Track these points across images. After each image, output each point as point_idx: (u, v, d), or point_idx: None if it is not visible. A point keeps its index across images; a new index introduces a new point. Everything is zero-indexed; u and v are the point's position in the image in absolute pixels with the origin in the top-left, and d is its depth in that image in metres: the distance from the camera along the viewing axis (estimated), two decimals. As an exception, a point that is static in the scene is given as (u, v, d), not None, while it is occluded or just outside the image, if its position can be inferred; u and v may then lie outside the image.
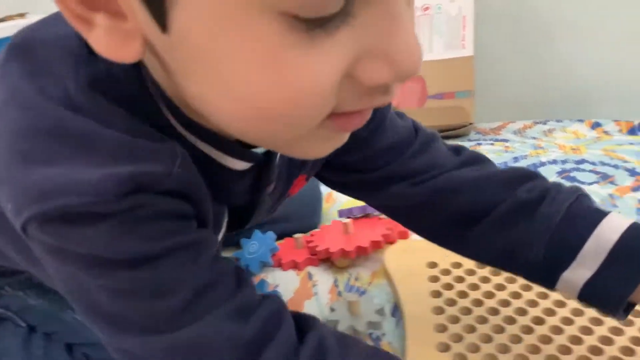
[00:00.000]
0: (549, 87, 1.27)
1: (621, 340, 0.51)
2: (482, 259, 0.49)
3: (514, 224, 0.44)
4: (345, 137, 0.34)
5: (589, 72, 1.24)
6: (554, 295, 0.58)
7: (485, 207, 0.46)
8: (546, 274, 0.43)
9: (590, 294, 0.42)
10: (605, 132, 1.13)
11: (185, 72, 0.29)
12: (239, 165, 0.40)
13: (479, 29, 1.24)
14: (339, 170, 0.51)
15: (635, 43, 1.19)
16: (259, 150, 0.41)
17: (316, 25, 0.26)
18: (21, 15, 1.20)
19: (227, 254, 0.76)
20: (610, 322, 0.53)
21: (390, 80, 0.28)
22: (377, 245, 0.70)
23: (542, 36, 1.24)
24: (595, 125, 1.15)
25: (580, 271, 0.42)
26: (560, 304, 0.57)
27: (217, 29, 0.26)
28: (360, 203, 0.86)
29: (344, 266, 0.70)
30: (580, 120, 1.18)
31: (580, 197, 0.44)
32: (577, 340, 0.52)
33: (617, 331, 0.52)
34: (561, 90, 1.26)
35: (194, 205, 0.35)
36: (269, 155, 0.42)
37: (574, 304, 0.56)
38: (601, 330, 0.52)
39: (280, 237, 0.77)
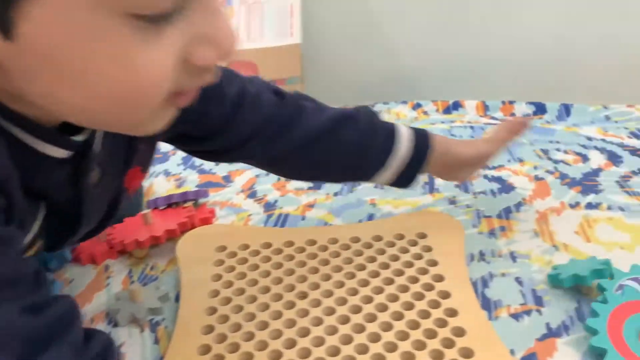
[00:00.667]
0: (378, 72, 1.35)
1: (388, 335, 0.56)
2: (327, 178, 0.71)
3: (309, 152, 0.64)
4: (174, 112, 0.40)
5: (413, 56, 1.32)
6: (324, 269, 0.62)
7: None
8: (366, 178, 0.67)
9: (394, 184, 0.67)
10: (425, 112, 1.21)
11: (32, 75, 0.33)
12: (57, 152, 0.43)
13: (308, 18, 1.29)
14: (191, 143, 0.62)
15: (449, 29, 1.28)
16: (79, 138, 0.44)
17: (154, 20, 0.31)
18: None
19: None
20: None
21: (217, 59, 0.36)
22: (172, 234, 0.71)
23: (369, 24, 1.31)
24: (417, 106, 1.23)
25: (385, 174, 0.65)
26: (327, 277, 0.61)
27: (68, 34, 0.30)
28: (166, 193, 0.87)
29: (142, 256, 0.71)
30: (404, 102, 1.26)
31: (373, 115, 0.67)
32: (331, 310, 0.56)
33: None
34: (388, 74, 1.34)
35: (5, 197, 0.36)
36: (89, 143, 0.45)
37: (339, 277, 0.61)
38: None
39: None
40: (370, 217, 0.76)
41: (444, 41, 1.30)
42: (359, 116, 0.65)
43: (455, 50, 1.30)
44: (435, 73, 1.32)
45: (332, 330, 0.54)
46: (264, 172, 0.93)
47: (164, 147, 1.09)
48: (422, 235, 0.67)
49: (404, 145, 0.64)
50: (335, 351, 0.51)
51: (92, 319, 0.61)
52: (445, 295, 0.57)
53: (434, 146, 0.65)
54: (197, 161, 1.00)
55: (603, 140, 0.98)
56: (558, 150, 0.94)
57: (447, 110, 1.20)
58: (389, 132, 0.65)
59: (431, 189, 0.83)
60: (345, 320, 0.55)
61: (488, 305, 0.58)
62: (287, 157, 0.64)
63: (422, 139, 0.65)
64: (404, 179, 0.66)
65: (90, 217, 0.52)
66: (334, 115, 0.64)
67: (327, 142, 0.63)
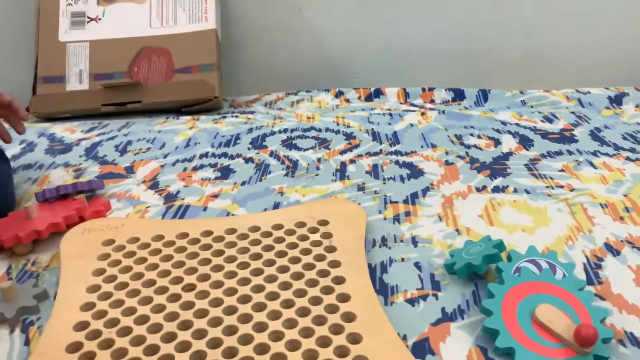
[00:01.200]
0: (303, 59, 1.31)
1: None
2: None
3: None
4: None
5: (337, 43, 1.30)
6: (216, 260, 0.59)
7: None
8: None
9: None
10: (347, 100, 1.20)
11: None
12: None
13: (226, 3, 1.24)
14: None
15: (373, 16, 1.27)
16: None
17: None
18: None
19: None
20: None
21: None
22: (56, 228, 0.66)
23: (291, 9, 1.28)
24: (339, 94, 1.21)
25: None
26: (219, 267, 0.58)
27: None
28: (54, 184, 0.81)
29: (24, 253, 0.65)
30: (327, 90, 1.23)
31: None
32: (219, 302, 0.53)
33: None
34: (314, 61, 1.31)
35: None
36: None
37: (231, 267, 0.58)
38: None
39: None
40: (277, 206, 0.73)
41: (368, 28, 1.28)
42: None
43: (378, 37, 1.28)
44: (358, 61, 1.30)
45: (216, 322, 0.50)
46: (169, 162, 0.88)
47: (68, 138, 1.03)
48: (324, 223, 0.65)
49: None
50: (216, 343, 0.48)
51: (-43, 322, 0.55)
52: (340, 280, 0.55)
53: None
54: (101, 152, 0.94)
55: (517, 124, 0.99)
56: (472, 135, 0.94)
57: (369, 98, 1.19)
58: None
59: (342, 175, 0.80)
60: (232, 311, 0.51)
61: (385, 290, 0.56)
62: None
63: None
64: None
65: None
66: None
67: None
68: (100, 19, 1.19)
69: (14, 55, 1.30)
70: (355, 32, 1.29)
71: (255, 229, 0.64)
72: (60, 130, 1.08)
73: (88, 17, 1.19)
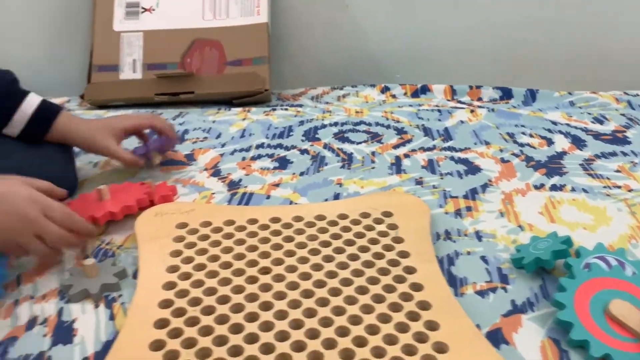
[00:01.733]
0: (348, 54, 1.33)
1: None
2: None
3: None
4: None
5: (382, 39, 1.31)
6: (288, 246, 0.61)
7: None
8: None
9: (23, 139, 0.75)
10: (393, 96, 1.21)
11: None
12: None
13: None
14: None
15: (418, 12, 1.28)
16: None
17: None
18: None
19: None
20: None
21: None
22: (129, 210, 0.68)
23: (338, 4, 1.29)
24: (385, 89, 1.23)
25: (13, 129, 0.75)
26: (292, 253, 0.60)
27: None
28: (119, 168, 0.84)
29: (99, 233, 0.68)
30: (373, 85, 1.25)
31: (13, 82, 0.77)
32: (296, 285, 0.55)
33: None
34: (359, 56, 1.33)
35: None
36: None
37: (302, 253, 0.60)
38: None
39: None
40: (337, 197, 0.74)
41: (413, 24, 1.29)
42: None
43: (423, 33, 1.29)
44: (403, 56, 1.32)
45: (296, 305, 0.52)
46: (228, 151, 0.91)
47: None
48: (388, 214, 0.66)
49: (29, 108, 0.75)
50: (298, 324, 0.50)
51: (44, 296, 0.58)
52: (411, 270, 0.57)
53: (65, 119, 0.77)
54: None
55: (568, 124, 0.99)
56: (524, 134, 0.95)
57: (415, 94, 1.20)
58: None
59: (398, 169, 0.82)
60: (308, 294, 0.53)
61: (454, 282, 0.58)
62: None
63: (50, 107, 0.77)
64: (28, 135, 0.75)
65: None
66: None
67: None
68: (154, 10, 1.22)
69: (70, 44, 1.34)
70: (400, 28, 1.30)
71: (321, 217, 0.66)
72: (115, 117, 1.11)
73: (142, 8, 1.22)
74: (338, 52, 1.34)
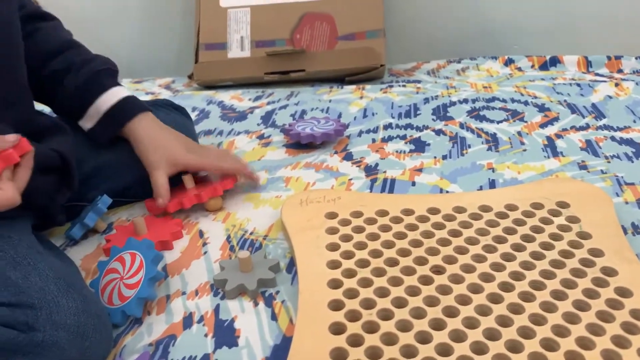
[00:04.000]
0: (461, 24, 1.23)
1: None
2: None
3: (51, 88, 0.67)
4: None
5: (500, 5, 1.20)
6: (457, 241, 0.54)
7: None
8: (73, 119, 0.69)
9: (91, 136, 0.69)
10: (518, 69, 1.11)
11: None
12: None
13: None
14: None
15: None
16: None
17: None
18: None
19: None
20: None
21: None
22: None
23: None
24: (509, 62, 1.13)
25: (86, 123, 0.68)
26: (463, 249, 0.53)
27: None
28: (251, 151, 0.80)
29: (217, 208, 0.68)
30: (494, 58, 1.15)
31: (99, 73, 0.68)
32: (478, 288, 0.48)
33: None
34: (474, 26, 1.23)
35: None
36: None
37: (476, 250, 0.53)
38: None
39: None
40: (492, 184, 0.67)
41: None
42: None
43: (548, 2, 1.18)
44: (525, 27, 1.20)
45: (483, 310, 0.46)
46: (353, 132, 0.85)
47: (238, 106, 1.02)
48: (563, 205, 0.58)
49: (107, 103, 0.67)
50: (492, 335, 0.43)
51: (197, 291, 0.54)
52: (610, 272, 0.49)
53: (138, 125, 0.68)
54: (278, 120, 0.93)
55: None
56: (688, 109, 0.83)
57: (544, 66, 1.10)
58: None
59: (554, 152, 0.73)
60: (496, 299, 0.47)
61: (659, 285, 0.49)
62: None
63: (128, 108, 0.68)
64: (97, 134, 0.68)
65: None
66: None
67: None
68: (261, -16, 1.17)
69: (180, 23, 1.32)
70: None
71: (486, 208, 0.59)
72: (227, 98, 1.07)
73: (249, -18, 1.17)
74: (450, 23, 1.25)
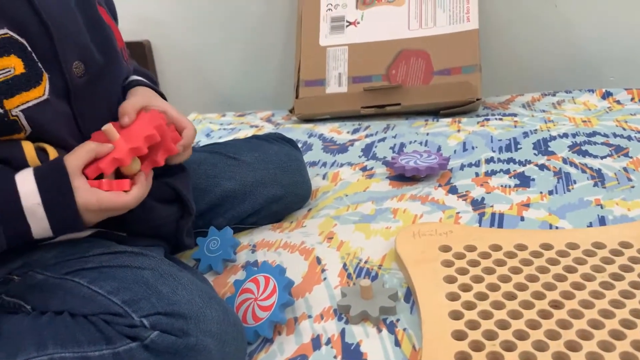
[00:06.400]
0: (555, 56, 1.24)
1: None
2: None
3: None
4: None
5: (594, 36, 1.20)
6: (573, 277, 0.56)
7: None
8: None
9: None
10: (617, 102, 1.10)
11: None
12: None
13: (482, 1, 1.20)
14: None
15: (637, 8, 1.15)
16: None
17: None
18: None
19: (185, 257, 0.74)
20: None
21: None
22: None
23: (546, 4, 1.21)
24: (607, 95, 1.12)
25: None
26: (580, 285, 0.55)
27: None
28: (355, 182, 0.84)
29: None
30: (591, 90, 1.15)
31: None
32: (598, 324, 0.50)
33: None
34: (568, 58, 1.23)
35: None
36: None
37: (593, 286, 0.55)
38: (623, 314, 0.51)
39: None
40: (602, 221, 0.68)
41: (632, 22, 1.17)
42: None
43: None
44: (621, 58, 1.19)
45: (606, 346, 0.48)
46: (455, 165, 0.88)
47: (338, 138, 1.07)
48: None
49: None
50: (619, 372, 0.45)
51: (322, 315, 0.59)
52: None
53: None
54: (378, 153, 0.98)
55: None
56: None
57: (645, 100, 1.08)
58: None
59: (664, 188, 0.73)
60: (618, 335, 0.48)
61: None
62: None
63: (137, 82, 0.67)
64: None
65: (66, 46, 0.54)
66: None
67: None
68: (359, 23, 1.23)
69: (278, 60, 1.41)
70: (615, 26, 1.18)
71: (599, 245, 0.60)
72: (326, 131, 1.13)
73: (347, 22, 1.24)
74: (543, 55, 1.25)
